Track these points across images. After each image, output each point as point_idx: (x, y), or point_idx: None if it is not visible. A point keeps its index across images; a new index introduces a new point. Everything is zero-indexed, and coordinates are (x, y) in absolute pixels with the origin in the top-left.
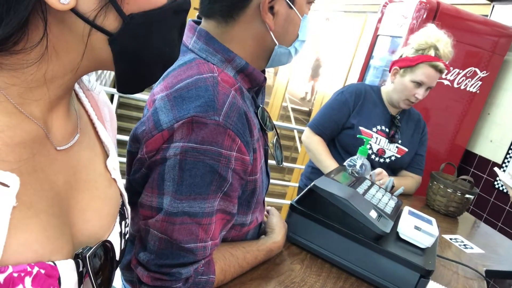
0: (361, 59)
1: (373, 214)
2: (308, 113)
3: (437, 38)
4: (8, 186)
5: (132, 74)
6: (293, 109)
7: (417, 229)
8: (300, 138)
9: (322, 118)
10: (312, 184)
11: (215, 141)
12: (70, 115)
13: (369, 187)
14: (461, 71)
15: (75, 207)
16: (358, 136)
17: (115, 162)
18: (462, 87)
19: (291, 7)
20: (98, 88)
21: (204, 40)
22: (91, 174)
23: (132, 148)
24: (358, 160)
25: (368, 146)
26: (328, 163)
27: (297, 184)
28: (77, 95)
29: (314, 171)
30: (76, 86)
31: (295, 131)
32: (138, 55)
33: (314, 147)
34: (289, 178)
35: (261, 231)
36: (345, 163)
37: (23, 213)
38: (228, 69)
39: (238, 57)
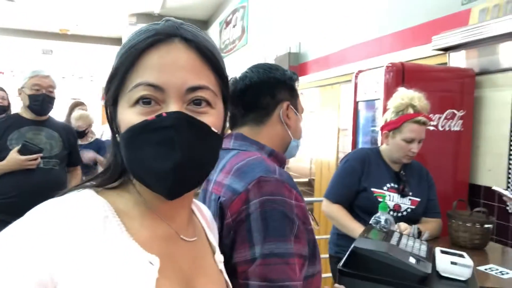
0: (346, 122)
1: (412, 260)
2: (309, 184)
3: (409, 96)
4: (153, 265)
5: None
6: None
7: (453, 264)
8: (309, 209)
9: (336, 187)
10: (352, 246)
11: (279, 192)
12: (189, 223)
13: (400, 238)
14: (441, 115)
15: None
16: (374, 195)
17: (220, 256)
18: (447, 129)
19: (296, 114)
20: (204, 207)
21: (241, 139)
22: (205, 263)
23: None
24: (382, 216)
25: None
26: (353, 225)
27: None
28: (193, 211)
29: (340, 237)
30: (191, 204)
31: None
32: (129, 163)
33: (335, 215)
34: None
35: None
36: (370, 222)
37: (162, 283)
38: (262, 154)
39: (266, 146)
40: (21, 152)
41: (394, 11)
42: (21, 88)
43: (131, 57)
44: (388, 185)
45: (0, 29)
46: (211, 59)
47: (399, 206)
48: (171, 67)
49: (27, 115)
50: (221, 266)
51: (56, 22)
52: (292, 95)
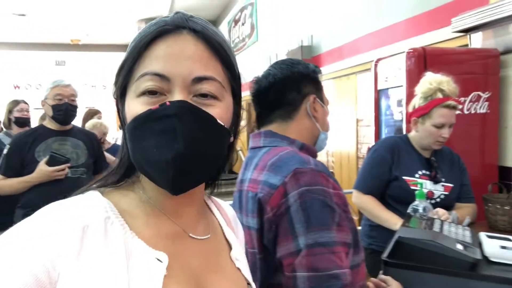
0: (364, 113)
1: (459, 246)
2: None
3: (438, 81)
4: (161, 262)
5: (143, 171)
6: None
7: (504, 248)
8: None
9: (366, 177)
10: (397, 236)
11: (317, 181)
12: (200, 221)
13: (442, 225)
14: (466, 98)
15: (208, 285)
16: (409, 183)
17: (238, 253)
18: (473, 112)
19: (323, 106)
20: (225, 205)
21: (270, 136)
22: (221, 261)
23: (256, 224)
24: (420, 204)
25: None
26: (387, 215)
27: None
28: (210, 209)
29: (373, 228)
30: (209, 201)
31: None
32: (133, 155)
33: (367, 206)
34: None
35: None
36: (408, 211)
37: (169, 280)
38: (294, 148)
39: (297, 140)
40: (49, 163)
41: None
42: (44, 100)
43: (138, 48)
44: (419, 172)
45: (14, 43)
46: (220, 51)
47: (432, 193)
48: (177, 57)
49: (52, 125)
50: (239, 264)
51: (67, 33)
52: (317, 87)
